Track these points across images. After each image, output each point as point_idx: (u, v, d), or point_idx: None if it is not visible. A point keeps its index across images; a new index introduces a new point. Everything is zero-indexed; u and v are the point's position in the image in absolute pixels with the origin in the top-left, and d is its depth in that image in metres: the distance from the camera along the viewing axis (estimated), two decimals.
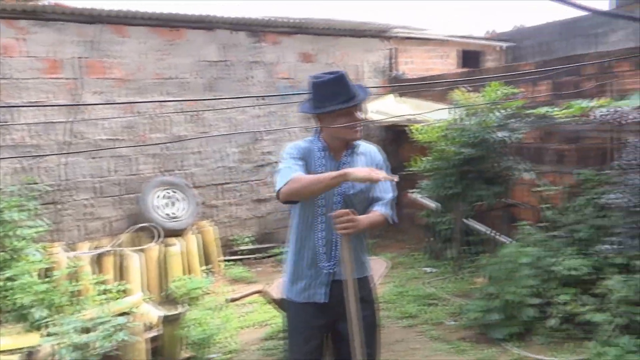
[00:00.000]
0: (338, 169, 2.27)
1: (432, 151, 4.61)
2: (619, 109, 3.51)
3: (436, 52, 8.80)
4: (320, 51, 7.22)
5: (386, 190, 2.40)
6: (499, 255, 4.42)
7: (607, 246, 3.75)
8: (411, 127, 4.76)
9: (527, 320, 3.93)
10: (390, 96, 6.79)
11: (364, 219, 2.21)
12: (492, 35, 10.67)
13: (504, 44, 9.99)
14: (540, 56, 9.72)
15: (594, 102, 4.33)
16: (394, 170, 2.38)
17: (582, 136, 5.04)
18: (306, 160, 2.27)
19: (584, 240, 4.36)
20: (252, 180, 6.82)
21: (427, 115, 6.03)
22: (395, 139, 7.59)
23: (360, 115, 2.27)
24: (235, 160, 6.67)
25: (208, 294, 5.13)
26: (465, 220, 5.77)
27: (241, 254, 6.44)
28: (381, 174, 2.09)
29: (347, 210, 2.16)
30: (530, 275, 4.06)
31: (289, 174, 2.16)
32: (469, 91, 4.28)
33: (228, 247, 6.51)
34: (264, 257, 6.50)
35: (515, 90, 4.26)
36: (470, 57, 9.33)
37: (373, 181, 2.09)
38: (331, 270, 2.33)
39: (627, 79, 4.97)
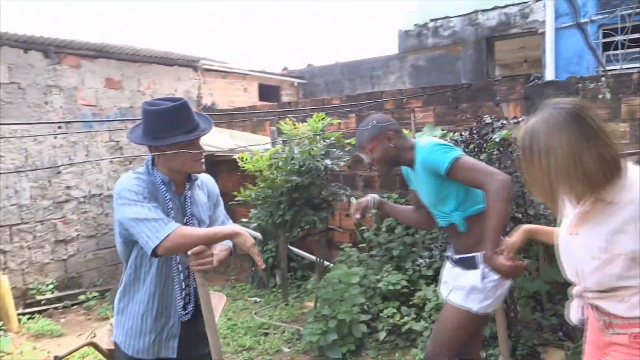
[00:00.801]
0: (183, 204, 2.16)
1: (259, 180, 4.66)
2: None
3: (238, 85, 9.05)
4: (128, 78, 6.79)
5: (225, 222, 2.36)
6: (327, 277, 4.63)
7: (421, 260, 4.22)
8: (240, 157, 4.75)
9: (360, 336, 4.17)
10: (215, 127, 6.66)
11: (215, 255, 2.12)
12: (286, 72, 11.40)
13: (297, 80, 10.78)
14: (329, 93, 10.68)
15: None
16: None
17: None
18: (155, 197, 2.06)
19: (397, 257, 4.84)
20: (53, 219, 5.99)
21: (241, 145, 6.13)
22: (212, 170, 7.46)
23: (201, 145, 2.14)
24: (30, 196, 5.80)
25: (8, 355, 4.30)
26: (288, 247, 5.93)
27: (43, 305, 5.57)
28: (257, 253, 2.08)
29: (204, 246, 2.04)
30: (358, 294, 4.33)
31: (164, 225, 1.94)
32: (294, 122, 4.47)
33: (24, 297, 5.58)
34: (71, 305, 5.73)
35: (334, 122, 4.58)
36: (268, 91, 9.79)
37: (252, 254, 2.07)
38: (187, 318, 2.19)
39: (418, 114, 5.75)
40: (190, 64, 7.66)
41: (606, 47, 5.73)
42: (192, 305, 2.20)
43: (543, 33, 5.98)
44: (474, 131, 3.58)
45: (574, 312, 1.83)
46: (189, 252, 2.03)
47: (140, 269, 2.10)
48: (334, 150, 4.54)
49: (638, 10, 5.43)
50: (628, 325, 1.64)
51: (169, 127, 2.00)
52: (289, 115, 4.70)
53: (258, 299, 5.72)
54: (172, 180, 2.11)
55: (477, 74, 6.36)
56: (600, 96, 4.60)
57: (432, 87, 5.60)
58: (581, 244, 1.67)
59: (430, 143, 2.44)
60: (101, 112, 6.46)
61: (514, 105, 5.11)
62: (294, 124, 4.43)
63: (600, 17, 5.67)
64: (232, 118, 7.23)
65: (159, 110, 2.02)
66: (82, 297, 5.77)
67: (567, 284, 3.72)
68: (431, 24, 6.79)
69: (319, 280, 4.87)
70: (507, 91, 5.15)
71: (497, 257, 2.18)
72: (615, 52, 5.59)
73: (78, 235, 6.20)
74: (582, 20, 5.75)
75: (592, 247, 1.62)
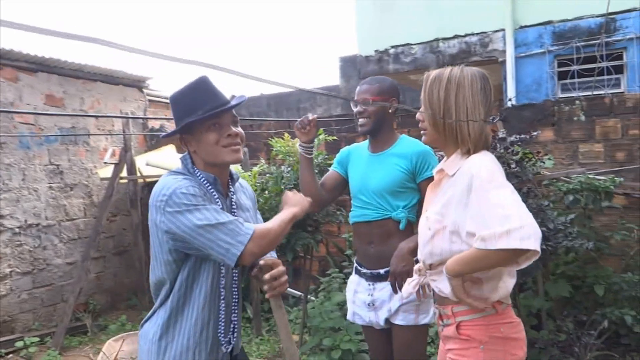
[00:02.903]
0: (230, 209, 1.80)
1: None
2: None
3: (160, 114, 8.53)
4: (71, 96, 6.15)
5: None
6: (317, 307, 4.33)
7: None
8: None
9: None
10: (168, 148, 6.18)
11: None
12: None
13: None
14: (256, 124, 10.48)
15: None
16: None
17: None
18: (209, 200, 1.69)
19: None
20: None
21: None
22: None
23: (239, 130, 1.76)
24: None
25: None
26: None
27: None
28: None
29: (281, 266, 1.78)
30: None
31: (241, 226, 1.61)
32: (291, 138, 4.18)
33: None
34: (6, 354, 4.87)
35: (329, 138, 4.35)
36: None
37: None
38: (231, 346, 1.80)
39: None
40: (136, 84, 7.13)
41: (561, 76, 6.07)
42: (236, 334, 1.82)
43: (503, 62, 6.22)
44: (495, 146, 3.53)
45: (406, 286, 1.85)
46: (267, 276, 1.74)
47: (190, 291, 1.69)
48: (328, 168, 4.29)
49: (590, 42, 5.83)
50: (455, 314, 1.65)
51: (188, 110, 1.68)
52: (284, 131, 4.40)
53: None
54: (218, 179, 1.75)
55: None
56: (575, 118, 4.80)
57: (406, 110, 5.57)
58: (424, 217, 1.72)
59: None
60: (40, 132, 5.75)
61: (491, 127, 5.19)
62: (290, 140, 4.14)
63: (556, 48, 6.01)
64: None
65: (178, 94, 1.72)
66: (19, 344, 4.94)
67: (568, 301, 3.73)
68: (392, 50, 6.87)
69: (305, 311, 4.55)
70: None
71: (410, 256, 2.15)
72: (572, 80, 5.93)
73: (11, 271, 5.36)
74: (540, 51, 6.07)
75: (430, 219, 1.67)
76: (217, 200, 1.72)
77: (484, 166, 1.55)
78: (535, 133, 3.57)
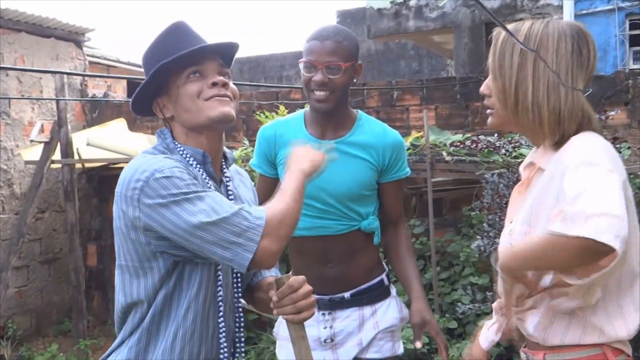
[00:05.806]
0: (226, 197, 1.67)
1: None
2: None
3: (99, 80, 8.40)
4: None
5: None
6: None
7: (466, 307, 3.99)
8: None
9: None
10: (116, 123, 5.98)
11: None
12: None
13: None
14: None
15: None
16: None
17: None
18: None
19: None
20: None
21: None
22: (101, 190, 6.71)
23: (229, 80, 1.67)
24: None
25: None
26: None
27: None
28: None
29: (303, 277, 1.59)
30: None
31: (248, 217, 1.47)
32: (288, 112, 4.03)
33: None
34: None
35: None
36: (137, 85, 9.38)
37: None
38: None
39: (412, 114, 5.57)
40: (73, 38, 6.93)
41: (634, 41, 5.97)
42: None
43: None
44: None
45: (485, 332, 1.78)
46: (274, 298, 1.56)
47: (172, 309, 1.59)
48: None
49: None
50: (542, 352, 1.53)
51: (160, 59, 1.60)
52: (278, 102, 4.25)
53: None
54: (208, 155, 1.63)
55: (474, 67, 6.35)
56: None
57: (434, 80, 5.44)
58: (507, 230, 1.60)
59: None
60: None
61: None
62: (285, 114, 3.99)
63: (628, 4, 5.90)
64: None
65: (147, 49, 1.70)
66: None
67: None
68: (413, 2, 6.71)
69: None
70: None
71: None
72: None
73: None
74: (607, 7, 5.96)
75: (514, 232, 1.55)
76: (209, 184, 1.60)
77: (587, 147, 1.41)
78: (612, 112, 3.46)
